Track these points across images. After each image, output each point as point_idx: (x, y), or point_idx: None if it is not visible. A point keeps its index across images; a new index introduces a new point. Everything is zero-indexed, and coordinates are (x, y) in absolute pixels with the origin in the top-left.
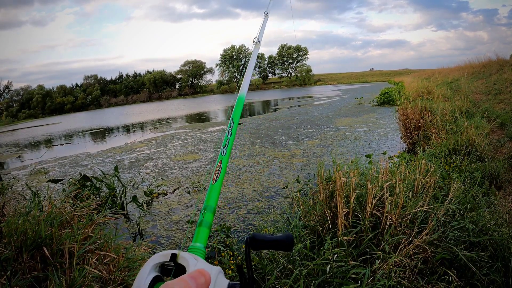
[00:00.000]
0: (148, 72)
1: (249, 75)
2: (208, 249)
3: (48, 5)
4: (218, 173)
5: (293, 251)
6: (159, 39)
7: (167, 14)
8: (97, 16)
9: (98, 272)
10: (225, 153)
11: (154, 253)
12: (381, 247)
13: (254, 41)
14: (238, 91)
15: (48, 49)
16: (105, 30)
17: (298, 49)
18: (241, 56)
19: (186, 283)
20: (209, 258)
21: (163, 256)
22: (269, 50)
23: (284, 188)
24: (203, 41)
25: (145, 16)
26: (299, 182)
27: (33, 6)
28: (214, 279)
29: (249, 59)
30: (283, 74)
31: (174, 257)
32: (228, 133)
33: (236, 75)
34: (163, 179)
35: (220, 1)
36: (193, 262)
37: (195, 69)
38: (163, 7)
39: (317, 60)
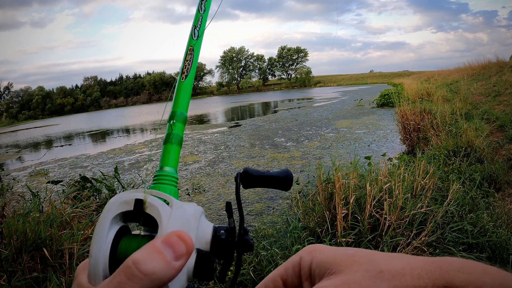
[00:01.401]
0: (148, 73)
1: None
2: None
3: (46, 6)
4: (188, 65)
5: (292, 252)
6: (158, 41)
7: (166, 16)
8: (96, 18)
9: None
10: (197, 36)
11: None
12: (380, 249)
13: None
14: None
15: (47, 50)
16: (104, 31)
17: (298, 50)
18: (241, 58)
19: (161, 255)
20: (179, 189)
21: (124, 204)
22: (269, 52)
23: None
24: (202, 43)
25: (144, 18)
26: (298, 184)
27: (31, 7)
28: (195, 228)
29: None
30: (283, 76)
31: (139, 204)
32: (201, 9)
33: (236, 76)
34: None
35: (219, 2)
36: (165, 211)
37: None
38: (162, 9)
39: (317, 62)
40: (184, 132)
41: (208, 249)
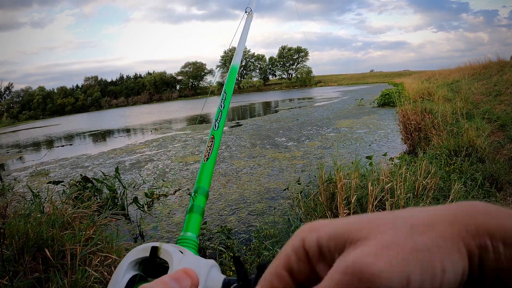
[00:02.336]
0: (149, 73)
1: (242, 46)
2: (209, 251)
3: (46, 6)
4: (210, 150)
5: None
6: (158, 41)
7: (166, 16)
8: (96, 18)
9: (99, 274)
10: (218, 127)
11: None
12: None
13: (246, 12)
14: (231, 62)
15: (47, 51)
16: (104, 31)
17: (298, 50)
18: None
19: (166, 286)
20: (200, 252)
21: (142, 250)
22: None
23: (285, 189)
24: (203, 43)
25: (144, 18)
26: (299, 184)
27: (31, 8)
28: (204, 276)
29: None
30: (283, 76)
31: (155, 251)
32: (221, 106)
33: (237, 76)
34: (164, 181)
35: (219, 2)
36: (177, 256)
37: (196, 71)
38: (162, 9)
39: (317, 62)
40: (185, 132)
41: None
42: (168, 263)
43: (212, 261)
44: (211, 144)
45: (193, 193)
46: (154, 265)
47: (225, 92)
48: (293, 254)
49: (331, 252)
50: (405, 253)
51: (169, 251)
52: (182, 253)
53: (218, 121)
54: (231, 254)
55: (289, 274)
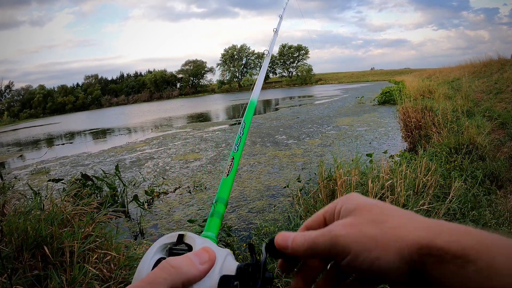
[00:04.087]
0: (149, 72)
1: (260, 83)
2: None
3: (45, 5)
4: (230, 167)
5: None
6: (158, 39)
7: (166, 14)
8: (95, 16)
9: (98, 271)
10: (237, 150)
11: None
12: None
13: (264, 53)
14: (250, 94)
15: (47, 49)
16: (104, 30)
17: (299, 48)
18: (242, 56)
19: (188, 258)
20: None
21: (169, 237)
22: None
23: (285, 187)
24: (203, 41)
25: (144, 16)
26: (300, 181)
27: (30, 6)
28: (221, 260)
29: (258, 68)
30: (284, 74)
31: (181, 238)
32: (240, 132)
33: (237, 74)
34: (164, 179)
35: (219, 0)
36: (200, 241)
37: (196, 69)
38: (162, 7)
39: (318, 60)
40: (185, 130)
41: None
42: (191, 246)
43: (228, 250)
44: (231, 163)
45: (214, 201)
46: (178, 251)
47: (244, 122)
48: (331, 208)
49: (341, 217)
50: (368, 232)
51: (193, 237)
52: (204, 240)
53: (238, 145)
54: (245, 244)
55: (324, 219)
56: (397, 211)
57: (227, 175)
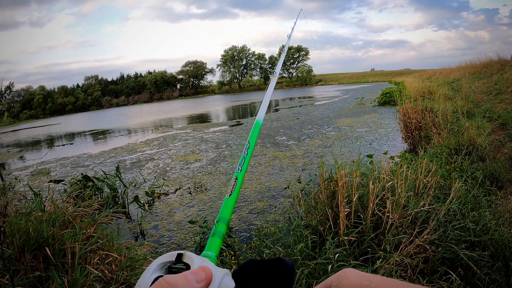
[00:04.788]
0: (149, 72)
1: (267, 102)
2: None
3: (45, 5)
4: (233, 188)
5: (295, 251)
6: (158, 40)
7: (165, 15)
8: (95, 17)
9: (99, 272)
10: (241, 170)
11: (157, 253)
12: (382, 247)
13: (271, 73)
14: (255, 115)
15: (47, 50)
16: (104, 30)
17: (299, 49)
18: (243, 57)
19: (184, 276)
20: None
21: (168, 256)
22: (270, 50)
23: (285, 188)
24: (203, 42)
25: (143, 17)
26: (300, 182)
27: (30, 7)
28: (218, 280)
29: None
30: (284, 75)
31: (180, 257)
32: (244, 153)
33: (237, 75)
34: (164, 180)
35: (219, 1)
36: (198, 260)
37: (196, 70)
38: (161, 8)
39: (318, 61)
40: (185, 131)
41: None
42: (190, 265)
43: (226, 270)
44: (234, 183)
45: (216, 221)
46: (177, 270)
47: (248, 142)
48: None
49: None
50: None
51: (192, 257)
52: (202, 260)
53: (241, 165)
54: (235, 260)
55: None
56: (391, 286)
57: (230, 195)
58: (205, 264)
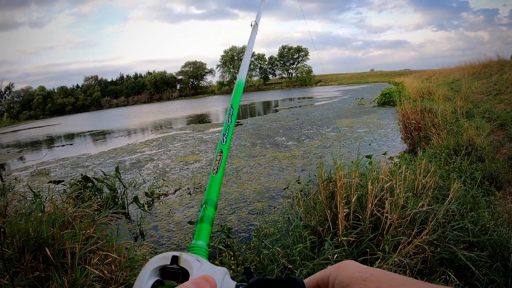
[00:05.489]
0: (149, 73)
1: (248, 60)
2: (210, 249)
3: (44, 6)
4: (218, 163)
5: (293, 251)
6: (158, 40)
7: (165, 15)
8: (95, 17)
9: (99, 272)
10: (225, 141)
11: (156, 253)
12: (381, 247)
13: (251, 25)
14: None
15: (46, 51)
16: (104, 31)
17: (298, 49)
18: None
19: None
20: (210, 258)
21: (163, 259)
22: (270, 51)
23: (285, 189)
24: (202, 42)
25: (143, 17)
26: (299, 183)
27: (29, 7)
28: (220, 282)
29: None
30: (283, 75)
31: (175, 259)
32: (228, 120)
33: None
34: (164, 180)
35: (218, 1)
36: (196, 265)
37: (196, 70)
38: (161, 8)
39: (317, 61)
40: (185, 131)
41: None
42: (188, 270)
43: (225, 269)
44: (220, 158)
45: (203, 205)
46: (173, 272)
47: (232, 108)
48: (323, 278)
49: None
50: None
51: (189, 260)
52: (199, 261)
53: (225, 135)
54: (234, 260)
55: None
56: (393, 279)
57: (216, 172)
58: (204, 268)
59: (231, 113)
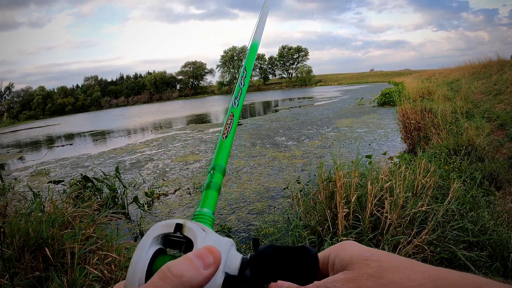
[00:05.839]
0: (149, 73)
1: (263, 23)
2: None
3: (44, 6)
4: (229, 127)
5: None
6: (158, 40)
7: (165, 15)
8: (95, 17)
9: (99, 272)
10: (237, 105)
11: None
12: (380, 247)
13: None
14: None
15: (46, 51)
16: (103, 31)
17: (298, 49)
18: (243, 57)
19: (191, 263)
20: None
21: (166, 226)
22: (269, 51)
23: (284, 188)
24: (202, 42)
25: (142, 17)
26: (299, 183)
27: (29, 8)
28: (225, 253)
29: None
30: (283, 75)
31: (179, 227)
32: (241, 83)
33: (237, 75)
34: (164, 180)
35: (218, 1)
36: (201, 235)
37: (196, 70)
38: (160, 8)
39: (317, 61)
40: (185, 131)
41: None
42: (192, 240)
43: (231, 240)
44: (231, 121)
45: (211, 170)
46: (176, 241)
47: (245, 70)
48: (324, 258)
49: (336, 270)
50: None
51: (193, 229)
52: (204, 231)
53: (237, 98)
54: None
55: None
56: (396, 260)
57: (226, 136)
58: (208, 238)
59: (244, 76)
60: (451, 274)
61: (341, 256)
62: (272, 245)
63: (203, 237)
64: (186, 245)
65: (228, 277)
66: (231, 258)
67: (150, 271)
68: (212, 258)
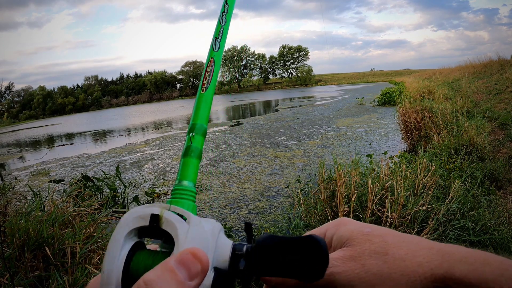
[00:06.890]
0: (149, 73)
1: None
2: None
3: (43, 6)
4: (209, 76)
5: None
6: (157, 40)
7: (164, 15)
8: (94, 17)
9: (99, 271)
10: (218, 47)
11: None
12: None
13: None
14: None
15: (46, 51)
16: (103, 31)
17: (299, 49)
18: (242, 57)
19: (173, 274)
20: None
21: (139, 219)
22: (269, 50)
23: (285, 188)
24: (202, 42)
25: (142, 17)
26: (300, 182)
27: (28, 8)
28: (214, 244)
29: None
30: (284, 75)
31: (155, 219)
32: (221, 20)
33: (237, 75)
34: (164, 180)
35: (217, 1)
36: (183, 228)
37: (196, 70)
38: (160, 8)
39: (318, 61)
40: (185, 131)
41: (226, 268)
42: (172, 235)
43: (218, 225)
44: (211, 69)
45: (189, 133)
46: (152, 234)
47: (226, 4)
48: (320, 235)
49: (335, 247)
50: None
51: (172, 221)
52: (186, 222)
53: (218, 39)
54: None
55: None
56: (399, 236)
57: (206, 88)
58: (192, 232)
59: (225, 11)
60: (458, 250)
61: (340, 232)
62: (272, 235)
63: (186, 231)
64: (166, 236)
65: (218, 273)
66: (221, 247)
67: (128, 273)
68: (198, 265)
